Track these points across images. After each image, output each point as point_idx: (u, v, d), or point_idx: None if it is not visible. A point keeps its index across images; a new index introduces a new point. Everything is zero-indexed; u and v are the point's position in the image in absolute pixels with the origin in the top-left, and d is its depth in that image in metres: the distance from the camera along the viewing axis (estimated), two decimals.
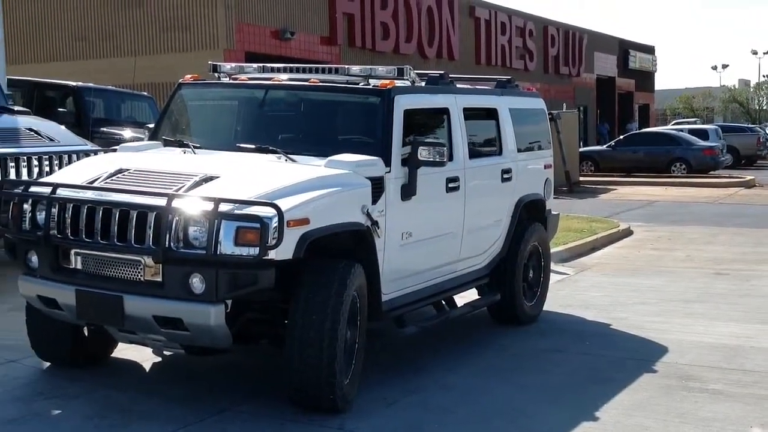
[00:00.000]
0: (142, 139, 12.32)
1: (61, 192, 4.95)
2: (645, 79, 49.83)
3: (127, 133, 13.00)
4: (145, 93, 16.06)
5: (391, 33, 29.28)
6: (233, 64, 6.57)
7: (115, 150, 6.28)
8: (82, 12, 26.13)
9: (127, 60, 25.07)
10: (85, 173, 5.25)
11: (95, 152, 8.33)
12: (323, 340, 4.69)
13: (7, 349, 5.87)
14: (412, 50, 30.03)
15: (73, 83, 13.79)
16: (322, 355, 4.69)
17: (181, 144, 5.86)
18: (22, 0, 25.42)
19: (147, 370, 5.77)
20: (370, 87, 5.73)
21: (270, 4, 25.66)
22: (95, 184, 5.01)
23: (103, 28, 25.84)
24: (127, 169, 5.19)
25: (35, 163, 7.74)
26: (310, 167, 5.22)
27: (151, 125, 6.63)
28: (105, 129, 12.99)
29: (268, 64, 6.51)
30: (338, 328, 4.73)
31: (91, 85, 14.11)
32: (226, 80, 6.36)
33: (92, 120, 12.84)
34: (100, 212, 4.77)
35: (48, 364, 5.61)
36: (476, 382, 5.72)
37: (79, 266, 4.94)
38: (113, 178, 5.10)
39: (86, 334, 5.56)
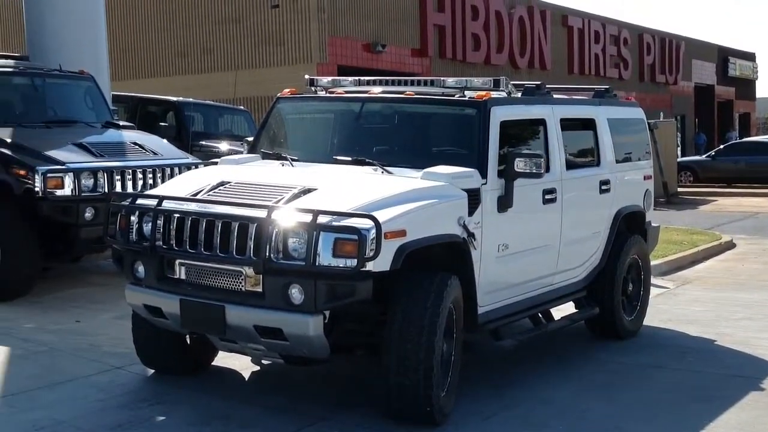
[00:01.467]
0: (238, 152, 12.67)
1: (167, 204, 5.10)
2: (745, 86, 48.17)
3: (223, 146, 13.32)
4: (242, 107, 16.44)
5: (482, 44, 29.17)
6: (329, 78, 6.65)
7: (216, 163, 6.45)
8: (183, 29, 26.96)
9: (224, 75, 25.75)
10: (188, 186, 5.40)
11: (196, 165, 8.58)
12: (420, 352, 4.69)
13: (113, 357, 6.08)
14: (503, 61, 29.84)
15: (174, 98, 14.24)
16: (419, 368, 4.69)
17: (279, 157, 5.97)
18: (126, 18, 26.41)
19: (246, 378, 5.88)
20: (467, 98, 5.72)
21: (361, 17, 25.93)
22: (198, 197, 5.15)
23: (202, 44, 26.59)
24: (229, 182, 5.32)
25: (140, 175, 8.01)
26: (406, 179, 5.24)
27: (250, 138, 6.78)
28: (204, 142, 13.35)
29: (364, 77, 6.57)
30: (435, 340, 4.73)
31: (190, 99, 14.54)
32: (322, 94, 6.45)
33: (192, 134, 13.23)
34: (204, 224, 4.89)
35: (152, 371, 5.78)
36: (574, 396, 5.62)
37: (183, 276, 5.08)
38: (215, 190, 5.23)
39: (188, 342, 5.71)
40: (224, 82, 25.41)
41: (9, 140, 7.78)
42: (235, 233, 4.78)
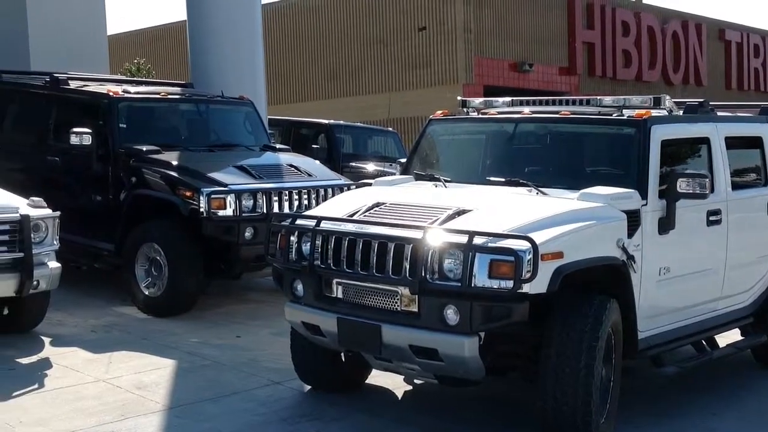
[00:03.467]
0: (385, 173, 12.87)
1: (325, 224, 5.23)
2: None
3: (370, 167, 13.60)
4: (390, 128, 16.71)
5: (633, 60, 28.42)
6: (481, 99, 6.66)
7: (369, 184, 6.58)
8: (333, 53, 27.68)
9: (371, 97, 26.29)
10: (345, 206, 5.53)
11: (348, 186, 8.77)
12: (578, 377, 4.59)
13: (272, 372, 6.28)
14: (655, 77, 28.96)
15: (325, 121, 14.65)
16: (578, 393, 4.59)
17: (432, 178, 6.02)
18: (279, 45, 27.41)
19: (399, 397, 5.93)
20: (625, 118, 5.59)
21: (508, 37, 25.82)
22: (355, 217, 5.26)
23: (351, 68, 27.21)
24: (384, 203, 5.40)
25: (295, 196, 8.27)
26: (562, 200, 5.16)
27: (403, 160, 6.88)
28: (353, 164, 13.66)
29: (516, 98, 6.54)
30: (593, 366, 4.61)
31: (341, 122, 14.93)
32: (474, 114, 6.47)
33: (342, 155, 13.57)
34: (360, 244, 4.98)
35: (309, 387, 5.93)
36: (741, 428, 5.34)
37: (340, 295, 5.19)
38: (371, 211, 5.33)
39: (343, 359, 5.82)
40: (372, 104, 25.99)
41: (176, 163, 8.21)
42: (391, 254, 4.84)
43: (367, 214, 5.29)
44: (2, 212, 6.44)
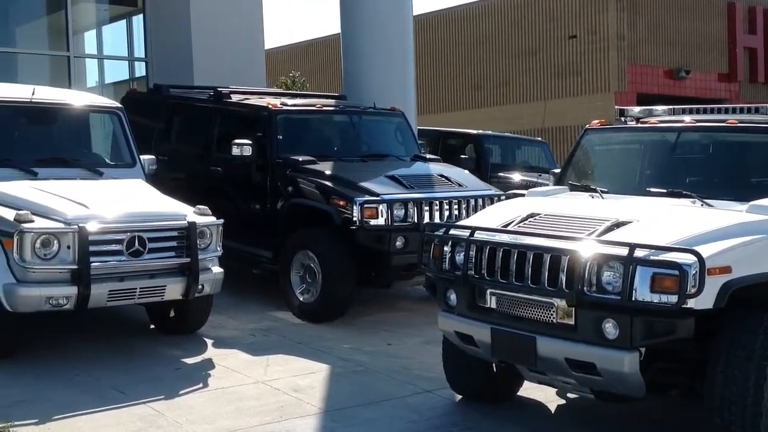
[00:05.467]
0: (532, 183, 12.73)
1: (479, 235, 5.22)
2: None
3: (516, 177, 13.48)
4: (539, 138, 16.52)
5: None
6: (641, 108, 6.47)
7: (522, 195, 6.53)
8: (479, 63, 27.66)
9: (518, 107, 26.07)
10: (499, 217, 5.51)
11: (498, 197, 8.73)
12: (747, 397, 4.37)
13: (424, 380, 6.32)
14: None
15: (474, 131, 14.64)
16: (746, 415, 4.37)
17: (587, 189, 5.90)
18: (427, 55, 27.54)
19: (552, 411, 5.84)
20: None
21: (663, 43, 24.98)
22: (509, 228, 5.23)
23: (498, 78, 27.09)
24: (538, 214, 5.35)
25: (446, 206, 8.31)
26: (729, 212, 4.94)
27: (557, 171, 6.79)
28: (501, 174, 13.58)
29: (678, 107, 6.31)
30: (763, 385, 4.38)
31: (489, 132, 14.89)
32: (632, 124, 6.29)
33: (490, 165, 13.53)
34: (515, 255, 4.95)
35: (460, 396, 5.93)
36: None
37: (494, 305, 5.17)
38: (526, 222, 5.28)
39: (495, 370, 5.79)
40: (518, 113, 25.78)
41: (330, 173, 8.43)
42: (547, 265, 4.78)
43: (521, 224, 5.25)
44: (171, 219, 6.81)
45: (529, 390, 5.97)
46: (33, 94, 7.68)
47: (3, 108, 7.59)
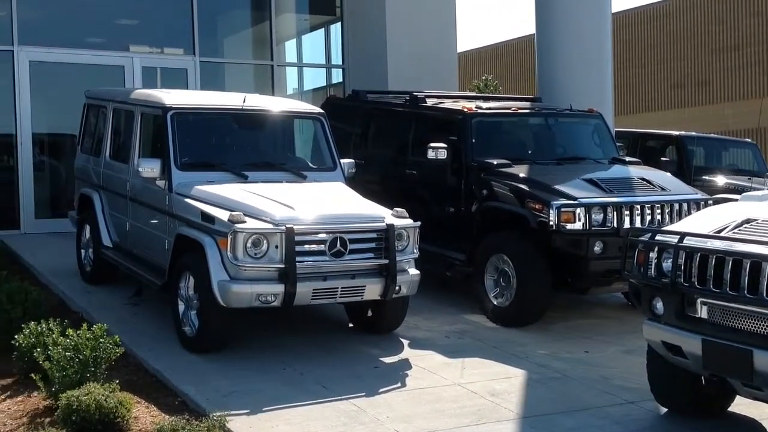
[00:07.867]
0: (738, 187, 11.98)
1: (688, 241, 4.99)
2: None
3: (719, 180, 12.75)
4: (748, 139, 15.55)
5: None
6: None
7: (735, 199, 6.16)
8: (678, 61, 26.52)
9: (719, 107, 24.68)
10: (710, 222, 5.23)
11: (705, 201, 8.30)
12: None
13: (625, 390, 6.11)
14: None
15: (675, 132, 14.00)
16: None
17: None
18: (623, 54, 26.64)
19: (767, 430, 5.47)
20: None
21: None
22: (723, 234, 4.96)
23: (698, 76, 25.83)
24: (755, 220, 5.03)
25: (648, 211, 7.99)
26: None
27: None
28: (705, 177, 12.89)
29: None
30: None
31: (693, 133, 14.18)
32: None
33: (693, 168, 12.86)
34: (730, 263, 4.68)
35: (665, 410, 5.68)
36: None
37: (704, 316, 4.92)
38: (741, 228, 4.99)
39: (704, 383, 5.50)
40: (719, 114, 24.39)
41: (525, 176, 8.33)
42: (766, 274, 4.49)
43: (736, 231, 4.96)
44: (371, 222, 6.98)
45: (741, 406, 5.63)
46: (244, 101, 8.13)
47: (219, 115, 8.10)
